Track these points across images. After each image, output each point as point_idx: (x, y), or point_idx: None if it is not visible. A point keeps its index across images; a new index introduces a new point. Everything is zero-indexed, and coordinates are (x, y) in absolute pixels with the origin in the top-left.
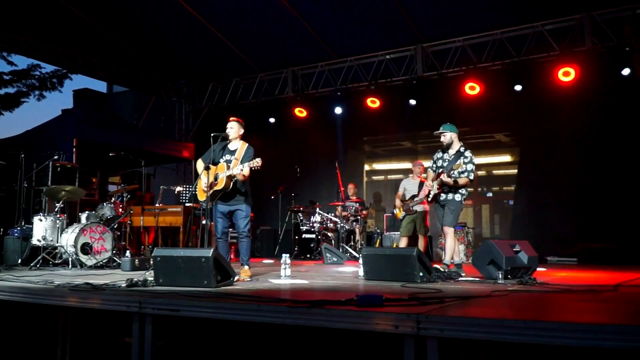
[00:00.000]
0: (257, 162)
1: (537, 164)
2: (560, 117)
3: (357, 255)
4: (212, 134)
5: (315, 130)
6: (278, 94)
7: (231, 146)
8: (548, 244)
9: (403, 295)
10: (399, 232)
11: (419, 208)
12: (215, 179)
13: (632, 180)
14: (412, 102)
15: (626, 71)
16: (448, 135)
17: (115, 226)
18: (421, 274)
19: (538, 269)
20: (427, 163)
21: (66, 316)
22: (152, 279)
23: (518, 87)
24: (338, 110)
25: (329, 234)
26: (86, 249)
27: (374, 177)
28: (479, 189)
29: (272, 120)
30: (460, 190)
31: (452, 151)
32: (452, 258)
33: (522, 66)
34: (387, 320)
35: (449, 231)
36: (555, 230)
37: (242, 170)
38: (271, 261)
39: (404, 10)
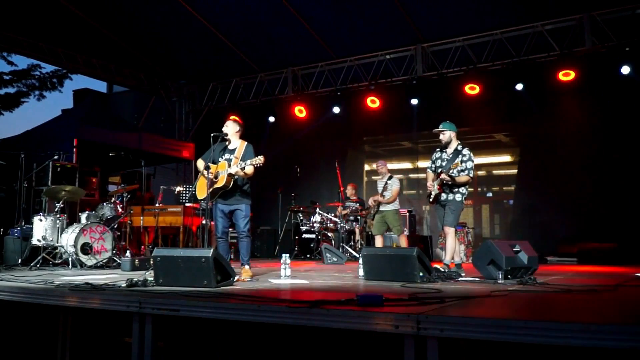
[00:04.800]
0: (260, 159)
1: (537, 164)
2: (560, 117)
3: (357, 255)
4: (212, 134)
5: (315, 130)
6: (278, 94)
7: (230, 146)
8: (548, 244)
9: (403, 295)
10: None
11: (384, 207)
12: (216, 177)
13: (632, 180)
14: (413, 101)
15: (626, 69)
16: (447, 134)
17: (115, 226)
18: (421, 274)
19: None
20: (427, 163)
21: (66, 316)
22: (152, 279)
23: (519, 86)
24: (338, 110)
25: (329, 234)
26: (86, 249)
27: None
28: (479, 189)
29: (271, 120)
30: (460, 190)
31: (450, 150)
32: (453, 258)
33: (522, 66)
34: (387, 320)
35: (450, 231)
36: (555, 230)
37: (243, 169)
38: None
39: (404, 10)
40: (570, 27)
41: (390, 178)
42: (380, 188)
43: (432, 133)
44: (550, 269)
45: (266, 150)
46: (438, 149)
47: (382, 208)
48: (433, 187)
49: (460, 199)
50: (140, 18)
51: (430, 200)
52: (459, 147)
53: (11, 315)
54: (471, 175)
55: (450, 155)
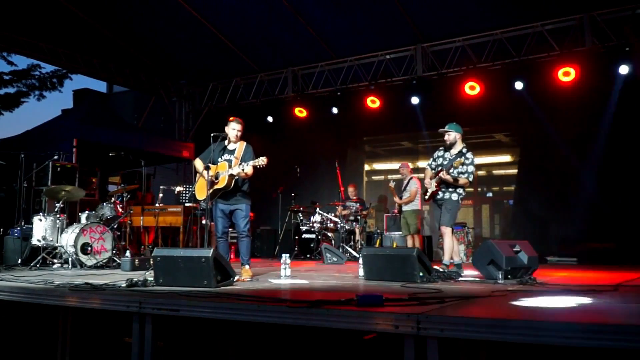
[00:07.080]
0: (263, 160)
1: (537, 164)
2: (560, 117)
3: (357, 255)
4: (212, 134)
5: (315, 130)
6: (278, 94)
7: (230, 146)
8: (548, 244)
9: (403, 295)
10: (399, 232)
11: (404, 208)
12: (216, 177)
13: (632, 180)
14: (413, 101)
15: (624, 69)
16: (453, 135)
17: (115, 226)
18: (421, 274)
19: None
20: (427, 162)
21: (66, 316)
22: (152, 279)
23: (519, 85)
24: (336, 110)
25: (329, 234)
26: (86, 249)
27: (374, 177)
28: (479, 189)
29: (271, 120)
30: (457, 190)
31: (454, 151)
32: (452, 258)
33: (522, 66)
34: (387, 320)
35: (447, 231)
36: (555, 230)
37: (243, 170)
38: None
39: (404, 10)
40: (570, 27)
41: (411, 179)
42: (400, 189)
43: (432, 133)
44: (550, 269)
45: (266, 150)
46: (441, 148)
47: (403, 208)
48: (430, 184)
49: (456, 198)
50: (140, 18)
51: (426, 197)
52: (464, 150)
53: (11, 315)
54: (470, 179)
55: (453, 156)
